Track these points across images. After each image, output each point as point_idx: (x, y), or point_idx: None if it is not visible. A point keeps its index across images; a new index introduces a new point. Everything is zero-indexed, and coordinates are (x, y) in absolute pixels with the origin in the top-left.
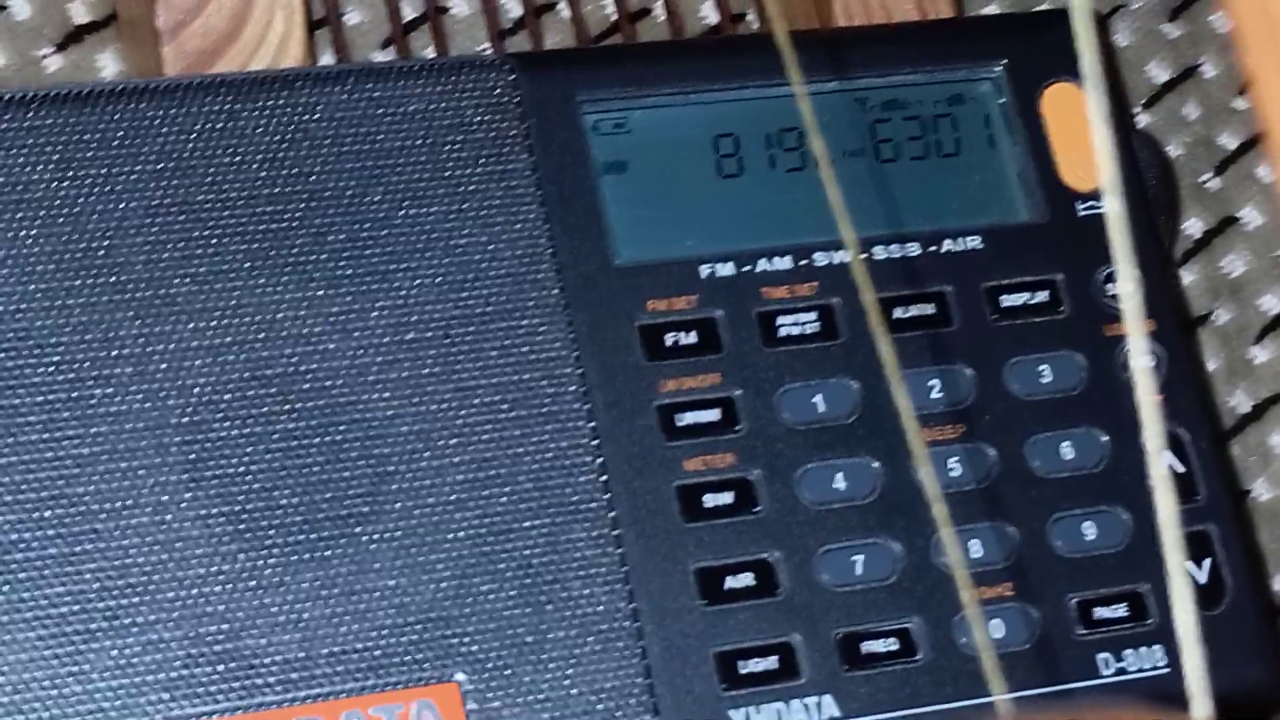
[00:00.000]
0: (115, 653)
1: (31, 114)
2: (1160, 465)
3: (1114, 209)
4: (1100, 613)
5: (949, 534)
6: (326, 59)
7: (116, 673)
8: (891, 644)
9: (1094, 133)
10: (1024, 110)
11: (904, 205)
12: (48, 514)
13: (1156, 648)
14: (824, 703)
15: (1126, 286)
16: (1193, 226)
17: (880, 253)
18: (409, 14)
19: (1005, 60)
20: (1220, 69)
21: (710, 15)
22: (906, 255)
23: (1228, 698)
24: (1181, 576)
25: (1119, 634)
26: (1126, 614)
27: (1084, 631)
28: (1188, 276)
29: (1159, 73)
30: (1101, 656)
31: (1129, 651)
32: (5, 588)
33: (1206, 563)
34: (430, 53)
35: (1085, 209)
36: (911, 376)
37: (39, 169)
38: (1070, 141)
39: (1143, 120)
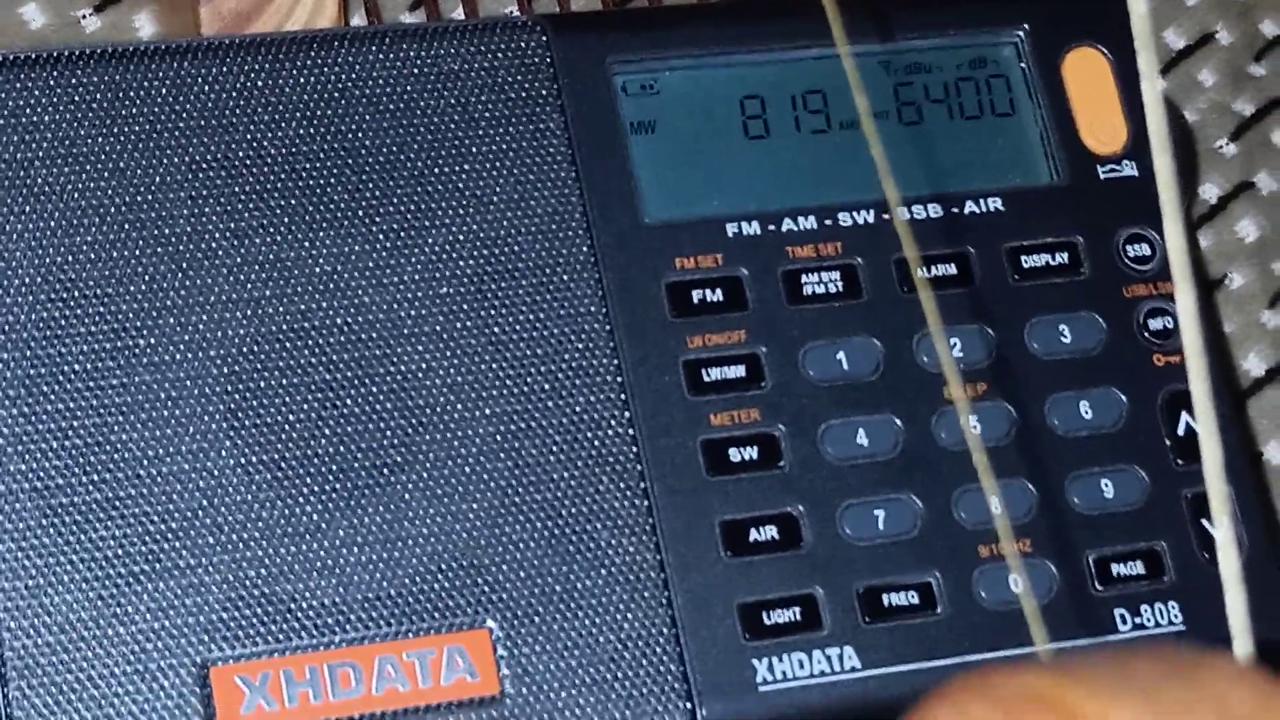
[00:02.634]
0: (157, 595)
1: (77, 73)
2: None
3: (1163, 168)
4: (1117, 570)
5: (989, 483)
6: (358, 22)
7: (158, 614)
8: (912, 597)
9: (1144, 94)
10: (1045, 74)
11: (927, 167)
12: (92, 460)
13: (1173, 604)
14: (845, 653)
15: (1175, 243)
16: (1208, 191)
17: (903, 214)
18: None
19: (1027, 25)
20: (1236, 35)
21: None
22: (929, 216)
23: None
24: (1226, 522)
25: (1136, 591)
26: (1143, 571)
27: (1101, 588)
28: (1204, 241)
29: (1176, 39)
30: (1119, 612)
31: (1145, 608)
32: (51, 530)
33: (1241, 589)
34: (458, 15)
35: (1106, 172)
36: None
37: (84, 126)
38: (1091, 105)
39: (1160, 86)
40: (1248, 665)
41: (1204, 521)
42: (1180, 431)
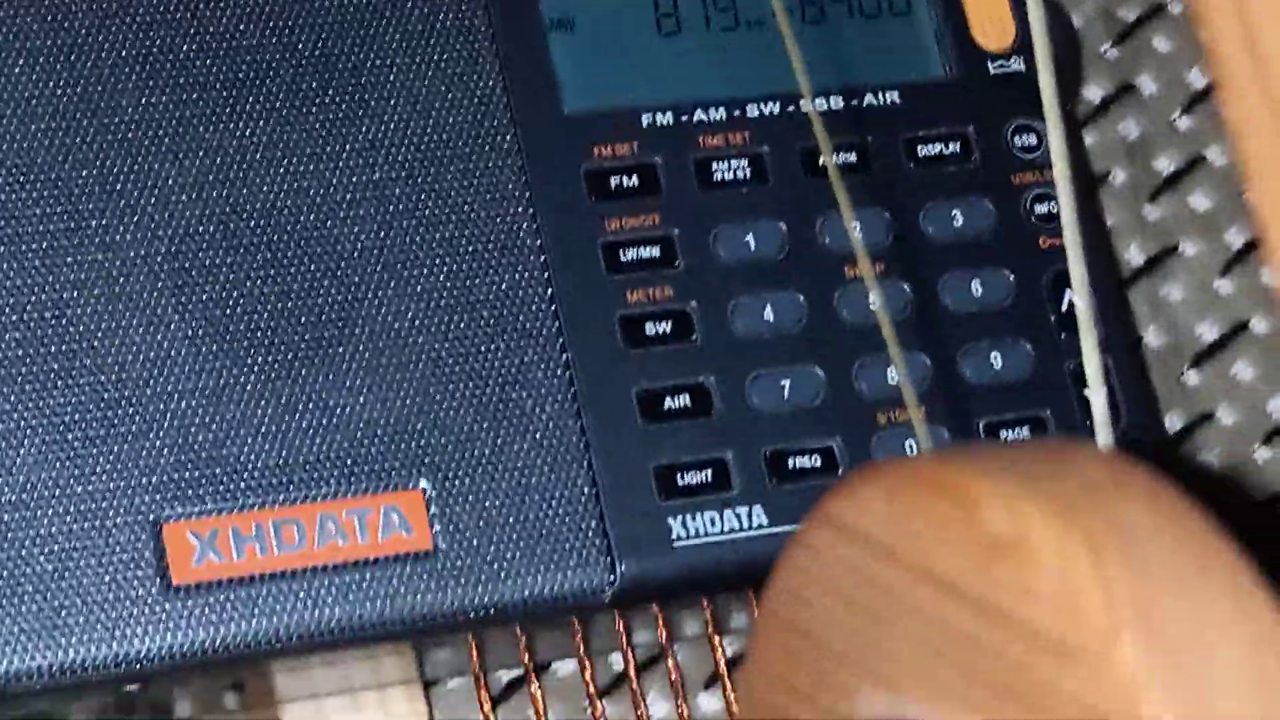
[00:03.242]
0: (111, 457)
1: None
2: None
3: (1045, 73)
4: (1005, 435)
5: (897, 351)
6: None
7: (113, 475)
8: (815, 460)
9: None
10: None
11: (828, 63)
12: (49, 331)
13: None
14: (754, 512)
15: (1056, 142)
16: (1092, 93)
17: (812, 103)
18: None
19: None
20: None
21: None
22: (831, 108)
23: None
24: (1090, 335)
25: None
26: (1029, 435)
27: None
28: (1088, 139)
29: None
30: None
31: None
32: (12, 398)
33: (1103, 390)
34: None
35: (996, 68)
36: (836, 219)
37: (36, 19)
38: (982, 4)
39: None
40: (1108, 450)
41: (1085, 391)
42: (1064, 308)
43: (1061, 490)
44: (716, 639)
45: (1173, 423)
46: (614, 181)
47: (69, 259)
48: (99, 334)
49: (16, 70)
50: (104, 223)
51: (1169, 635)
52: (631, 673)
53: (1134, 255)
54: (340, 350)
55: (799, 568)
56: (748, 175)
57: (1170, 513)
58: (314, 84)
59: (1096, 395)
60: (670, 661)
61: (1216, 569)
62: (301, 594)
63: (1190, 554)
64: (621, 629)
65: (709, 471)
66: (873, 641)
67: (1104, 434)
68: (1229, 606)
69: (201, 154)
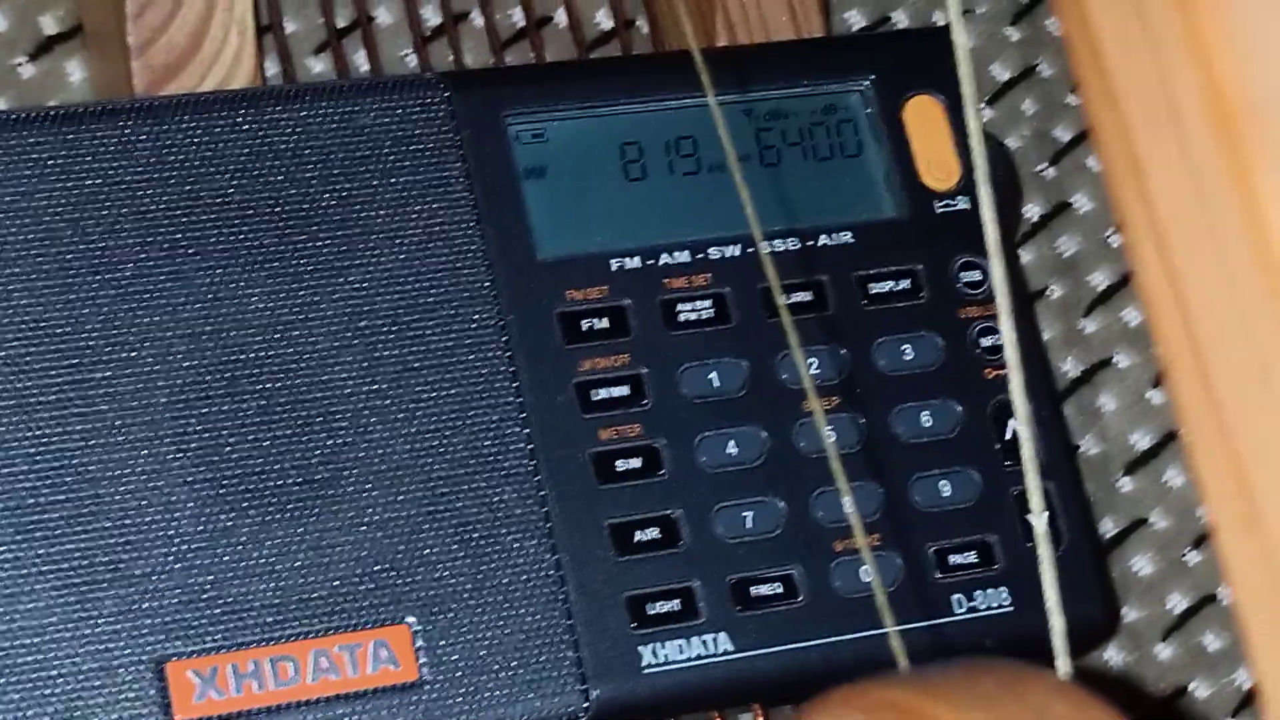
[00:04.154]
0: (117, 599)
1: (34, 133)
2: (1037, 497)
3: (987, 211)
4: (954, 559)
5: (844, 485)
6: (270, 63)
7: (119, 616)
8: (777, 588)
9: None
10: (888, 119)
11: (785, 204)
12: (58, 481)
13: (1002, 589)
14: (719, 639)
15: (998, 275)
16: (1031, 211)
17: (765, 247)
18: (342, 23)
19: (873, 75)
20: (1056, 69)
21: (605, 22)
22: (788, 249)
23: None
24: (1050, 570)
25: (970, 578)
26: (977, 560)
27: (940, 576)
28: (1026, 256)
29: (1001, 72)
30: (955, 597)
31: (979, 592)
32: (23, 544)
33: (1046, 515)
34: (362, 57)
35: (942, 206)
36: (793, 355)
37: (41, 182)
38: (928, 146)
39: (986, 114)
40: (1068, 680)
41: (1028, 516)
42: (1008, 436)
43: None
44: None
45: (1106, 527)
46: (586, 324)
47: (75, 410)
48: (104, 481)
49: (22, 229)
50: (107, 375)
51: None
52: None
53: (1070, 367)
54: (330, 493)
55: None
56: (711, 315)
57: None
58: (302, 236)
59: (1055, 617)
60: None
61: None
62: None
63: None
64: None
65: (677, 600)
66: None
67: (1063, 663)
68: None
69: (197, 306)
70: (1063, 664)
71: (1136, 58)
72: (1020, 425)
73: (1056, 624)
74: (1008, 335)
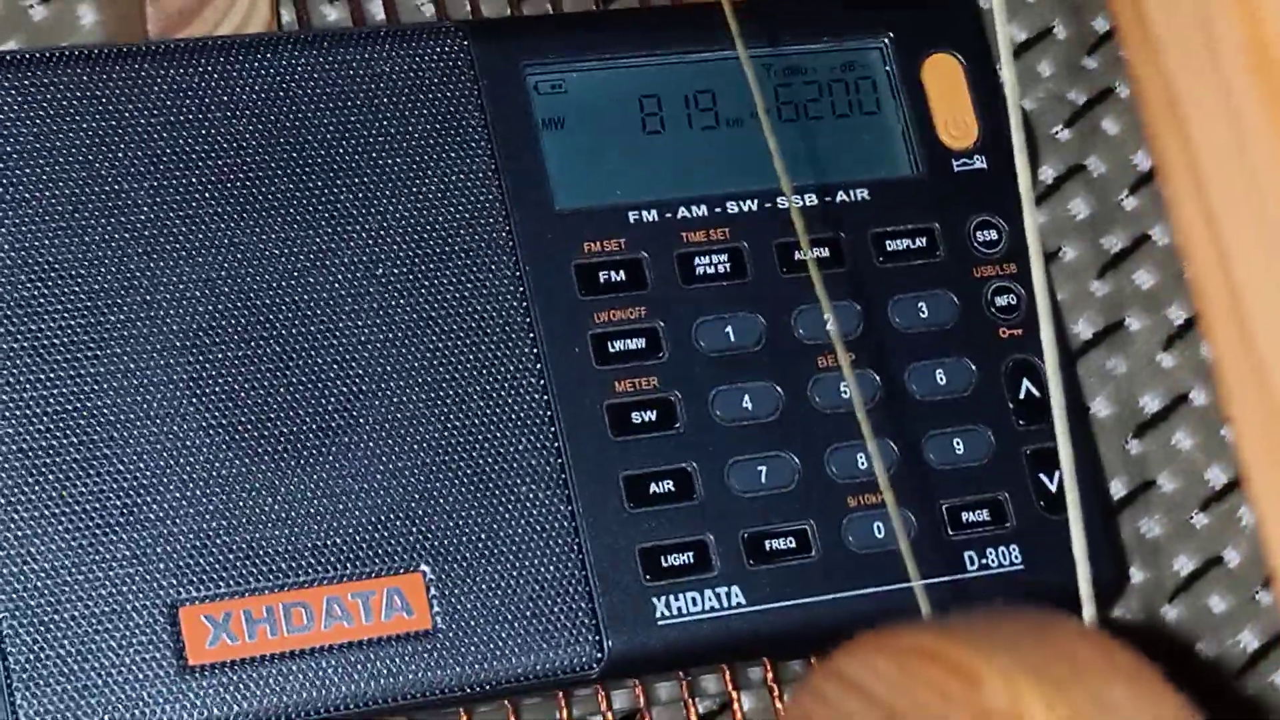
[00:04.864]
0: (131, 544)
1: (50, 74)
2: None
3: (1023, 177)
4: (966, 517)
5: (870, 438)
6: (285, 11)
7: (133, 561)
8: (790, 542)
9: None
10: (907, 77)
11: (803, 160)
12: (71, 424)
13: (1013, 547)
14: (732, 592)
15: (1031, 234)
16: (1045, 174)
17: (782, 202)
18: None
19: (891, 33)
20: (1071, 31)
21: None
22: (805, 204)
23: (1073, 592)
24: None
25: (982, 535)
26: (988, 518)
27: (952, 533)
28: (1041, 218)
29: (1018, 33)
30: (968, 554)
31: (990, 550)
32: (37, 487)
33: (1057, 475)
34: (378, 5)
35: (959, 165)
36: (809, 311)
37: (56, 124)
38: (946, 105)
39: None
40: (1092, 626)
41: (1040, 475)
42: (1021, 396)
43: (1054, 670)
44: (690, 702)
45: (1117, 489)
46: (603, 276)
47: (88, 353)
48: (118, 425)
49: (36, 171)
50: (121, 318)
51: None
52: None
53: (1083, 329)
54: (346, 440)
55: (807, 712)
56: (727, 269)
57: (1150, 692)
58: (319, 182)
59: (1081, 565)
60: None
61: None
62: (309, 673)
63: None
64: (603, 698)
65: (691, 553)
66: None
67: (1089, 609)
68: None
69: (213, 252)
70: (1088, 610)
71: (1178, 5)
72: (1050, 374)
73: (1082, 571)
74: (1039, 283)
